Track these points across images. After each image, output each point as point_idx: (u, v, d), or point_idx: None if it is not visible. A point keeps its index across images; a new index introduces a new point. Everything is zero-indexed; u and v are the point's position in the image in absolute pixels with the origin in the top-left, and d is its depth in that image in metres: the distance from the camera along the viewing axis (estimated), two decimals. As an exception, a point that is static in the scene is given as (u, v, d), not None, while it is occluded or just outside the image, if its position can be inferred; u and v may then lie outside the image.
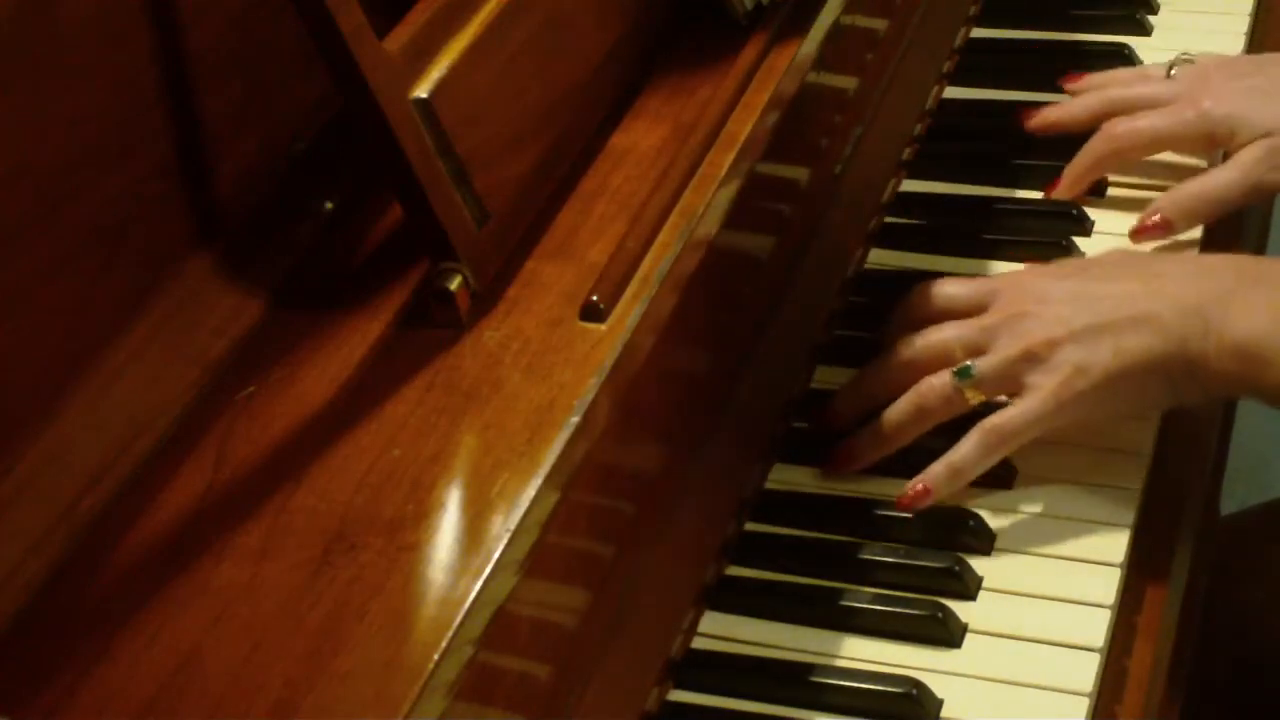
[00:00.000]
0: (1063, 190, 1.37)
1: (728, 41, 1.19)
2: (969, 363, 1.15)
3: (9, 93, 0.88)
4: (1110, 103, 1.38)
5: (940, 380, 1.15)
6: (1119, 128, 1.35)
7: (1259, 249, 1.42)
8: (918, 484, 1.14)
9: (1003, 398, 1.16)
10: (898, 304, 1.23)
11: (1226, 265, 1.16)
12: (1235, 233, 1.38)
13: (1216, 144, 1.33)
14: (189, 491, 0.92)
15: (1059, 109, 1.41)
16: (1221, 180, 1.30)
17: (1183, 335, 1.11)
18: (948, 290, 1.21)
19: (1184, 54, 1.40)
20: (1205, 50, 1.43)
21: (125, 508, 0.91)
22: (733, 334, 1.16)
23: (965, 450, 1.14)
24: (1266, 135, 1.30)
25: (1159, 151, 1.36)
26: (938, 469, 1.14)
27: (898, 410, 1.16)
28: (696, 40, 1.20)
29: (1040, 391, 1.13)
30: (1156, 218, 1.30)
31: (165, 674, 0.83)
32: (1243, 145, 1.31)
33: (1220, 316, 1.10)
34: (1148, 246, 1.30)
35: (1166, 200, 1.31)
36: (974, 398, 1.15)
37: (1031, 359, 1.13)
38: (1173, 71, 1.38)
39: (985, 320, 1.17)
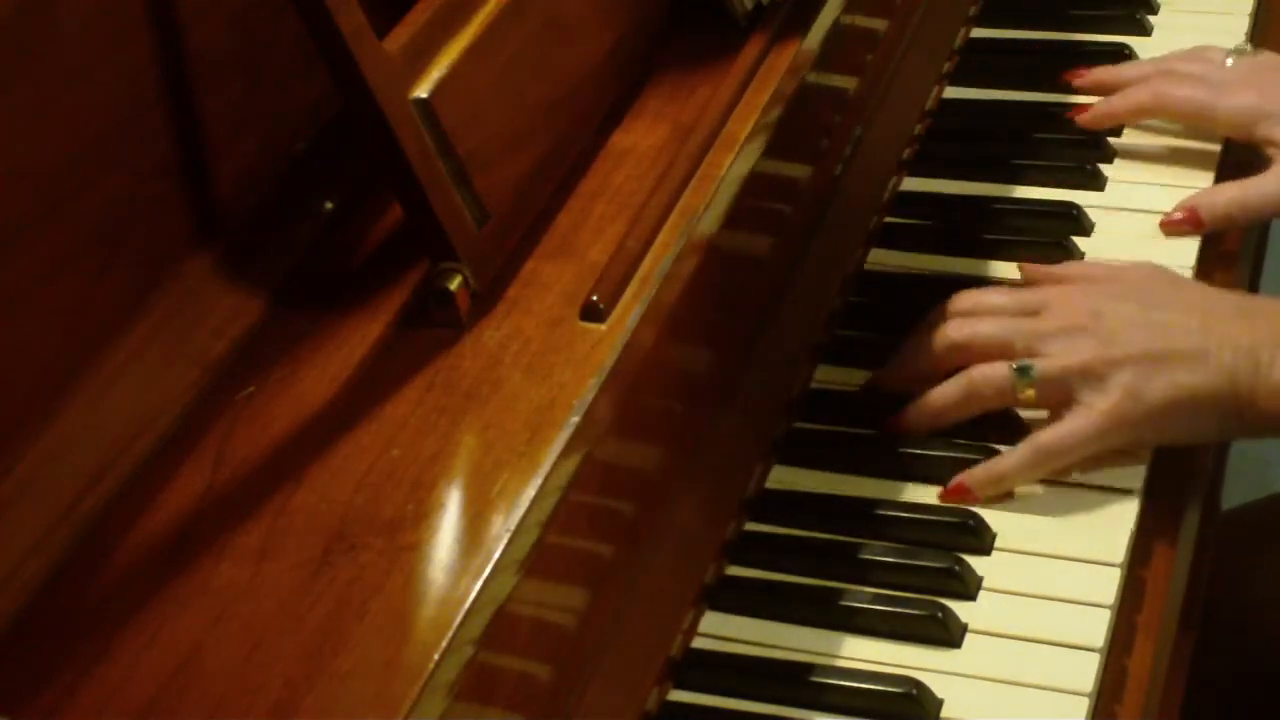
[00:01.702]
0: (1088, 120, 1.40)
1: (728, 41, 1.19)
2: (1030, 362, 1.16)
3: (9, 93, 0.88)
4: (1164, 70, 1.41)
5: (997, 371, 1.16)
6: (1166, 86, 1.38)
7: (1259, 249, 1.42)
8: (960, 480, 1.15)
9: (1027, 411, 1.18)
10: (938, 305, 1.23)
11: (1276, 309, 1.18)
12: (1237, 233, 1.38)
13: (1253, 138, 1.35)
14: (189, 491, 0.92)
15: (1109, 70, 1.43)
16: (1261, 189, 1.32)
17: (1234, 374, 1.13)
18: (993, 298, 1.22)
19: (1243, 45, 1.42)
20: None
21: (125, 508, 0.91)
22: (733, 334, 1.16)
23: (1013, 461, 1.15)
24: None
25: (1193, 121, 1.39)
26: (980, 472, 1.15)
27: (948, 391, 1.18)
28: (696, 40, 1.20)
29: (1092, 411, 1.14)
30: (1186, 214, 1.32)
31: (165, 674, 0.83)
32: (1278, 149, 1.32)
33: (1269, 359, 1.13)
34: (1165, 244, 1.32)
35: (1205, 199, 1.33)
36: (1027, 397, 1.16)
37: (1088, 375, 1.15)
38: (1229, 61, 1.39)
39: (1041, 325, 1.18)
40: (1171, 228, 1.32)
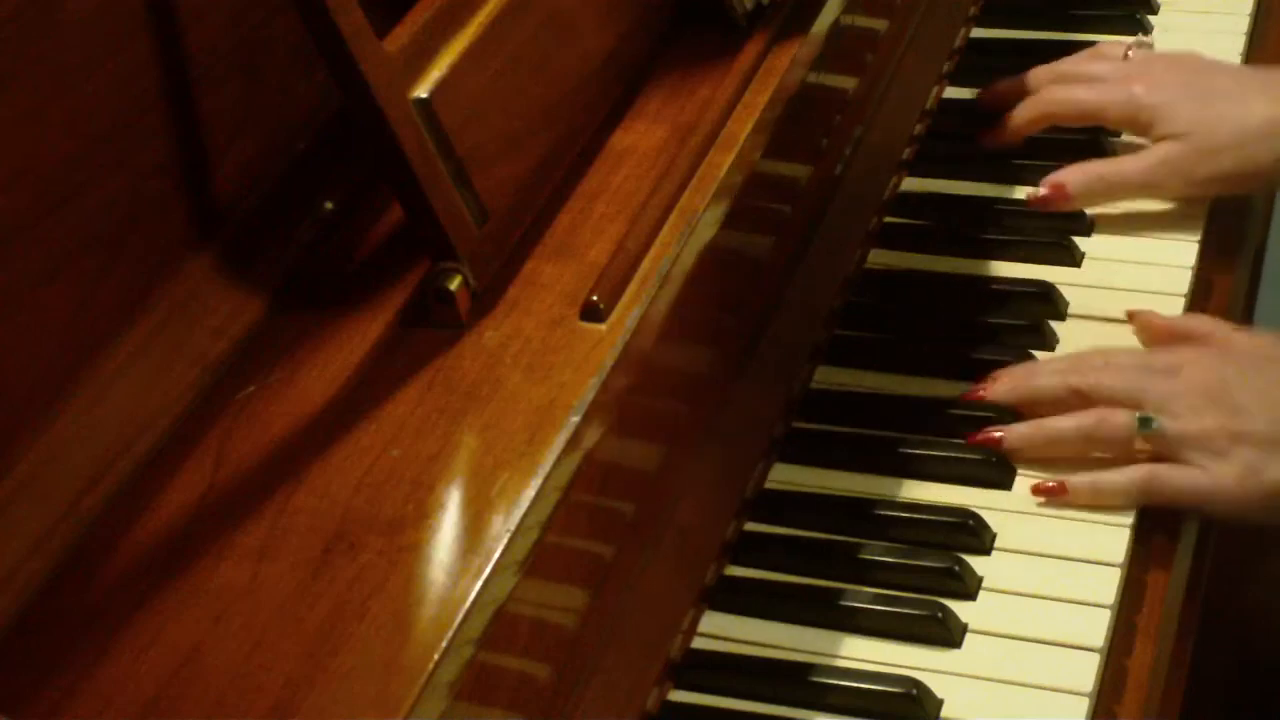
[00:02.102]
0: (991, 142, 1.43)
1: (728, 41, 1.19)
2: (1154, 416, 1.16)
3: (9, 93, 0.88)
4: (1056, 74, 1.43)
5: (1121, 420, 1.17)
6: (1053, 94, 1.41)
7: (1259, 251, 1.42)
8: (1058, 482, 1.16)
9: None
10: (1074, 364, 1.23)
11: None
12: (1237, 234, 1.38)
13: (1138, 129, 1.37)
14: (189, 491, 0.92)
15: (1014, 116, 1.43)
16: (1124, 169, 1.35)
17: None
18: (1122, 357, 1.22)
19: (1143, 39, 1.45)
20: (1206, 50, 1.44)
21: (125, 508, 0.91)
22: (733, 334, 1.16)
23: (1121, 481, 1.16)
24: (1179, 138, 1.33)
25: (1086, 122, 1.41)
26: (1082, 480, 1.16)
27: (1068, 425, 1.18)
28: (696, 40, 1.20)
29: (1210, 473, 1.15)
30: (1053, 188, 1.35)
31: (165, 674, 0.83)
32: (1160, 138, 1.34)
33: None
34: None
35: (1071, 173, 1.35)
36: (1143, 448, 1.17)
37: (1208, 443, 1.15)
38: (1129, 54, 1.41)
39: (1168, 385, 1.18)
40: (1039, 204, 1.35)
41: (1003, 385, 1.22)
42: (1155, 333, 1.26)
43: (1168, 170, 1.34)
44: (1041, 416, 1.19)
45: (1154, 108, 1.35)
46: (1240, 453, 1.15)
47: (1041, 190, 1.35)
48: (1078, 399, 1.19)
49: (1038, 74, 1.44)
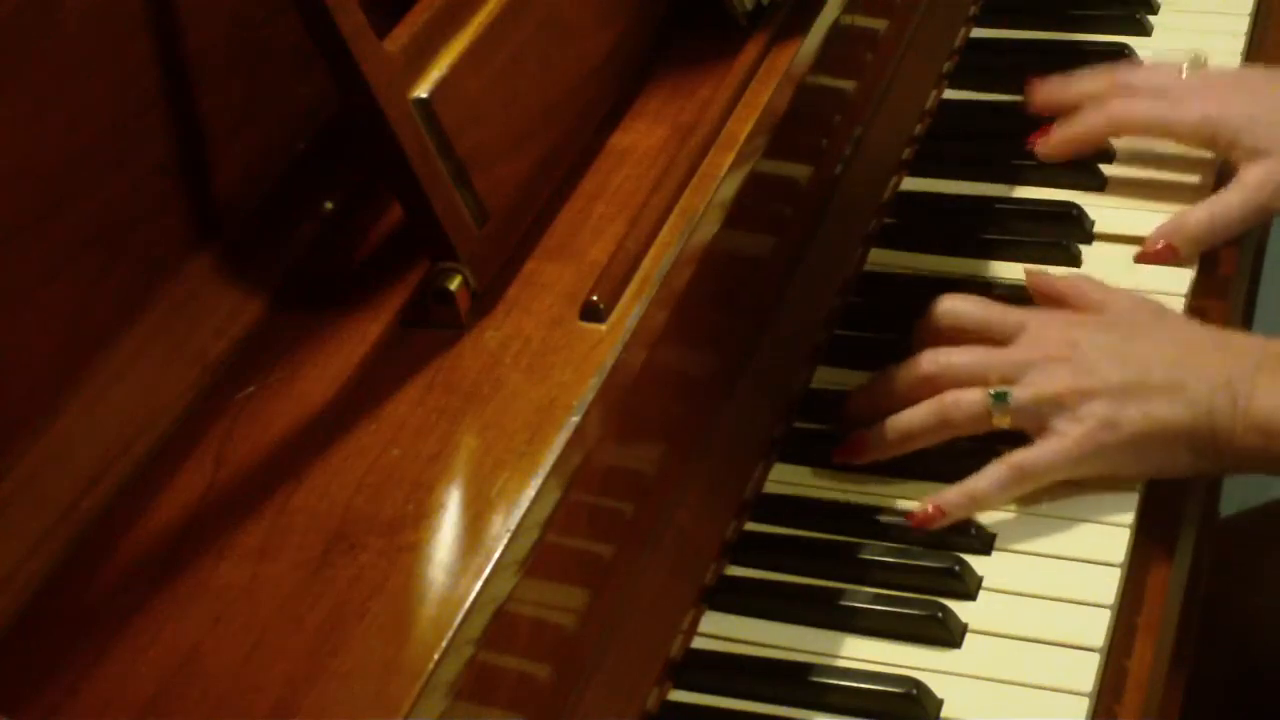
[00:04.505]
0: (1048, 148, 1.38)
1: (728, 41, 1.19)
2: (1006, 389, 1.16)
3: (9, 93, 0.88)
4: (1117, 84, 1.38)
5: (971, 397, 1.16)
6: (1121, 107, 1.36)
7: (1256, 259, 1.42)
8: (930, 505, 1.14)
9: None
10: (921, 317, 1.23)
11: (1254, 344, 1.18)
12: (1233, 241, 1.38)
13: (1216, 147, 1.34)
14: (189, 491, 0.92)
15: (1070, 128, 1.38)
16: (1226, 205, 1.31)
17: (1210, 408, 1.13)
18: (975, 312, 1.21)
19: (1197, 57, 1.40)
20: (1206, 49, 1.43)
21: (125, 508, 0.91)
22: (733, 334, 1.16)
23: (985, 481, 1.15)
24: (1267, 155, 1.31)
25: (1153, 136, 1.37)
26: (953, 495, 1.15)
27: (919, 415, 1.17)
28: (696, 40, 1.20)
29: (1065, 438, 1.14)
30: (1161, 245, 1.31)
31: (165, 674, 0.83)
32: (1241, 157, 1.32)
33: (1247, 393, 1.13)
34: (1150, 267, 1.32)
35: (1172, 227, 1.32)
36: (1001, 422, 1.16)
37: (1062, 404, 1.15)
38: (1183, 74, 1.38)
39: (1016, 354, 1.18)
40: (1148, 260, 1.32)
41: (863, 400, 1.21)
42: (1036, 293, 1.25)
43: (1271, 190, 1.31)
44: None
45: (1234, 128, 1.32)
46: (1094, 407, 1.14)
47: (1152, 248, 1.31)
48: (931, 387, 1.18)
49: (1095, 79, 1.39)
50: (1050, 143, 1.38)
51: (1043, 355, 1.17)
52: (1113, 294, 1.23)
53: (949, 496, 1.14)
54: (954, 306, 1.22)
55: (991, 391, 1.16)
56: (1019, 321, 1.20)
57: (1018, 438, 1.17)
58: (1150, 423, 1.14)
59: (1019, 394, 1.16)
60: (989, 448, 1.17)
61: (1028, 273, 1.27)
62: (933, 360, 1.19)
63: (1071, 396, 1.15)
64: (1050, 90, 1.41)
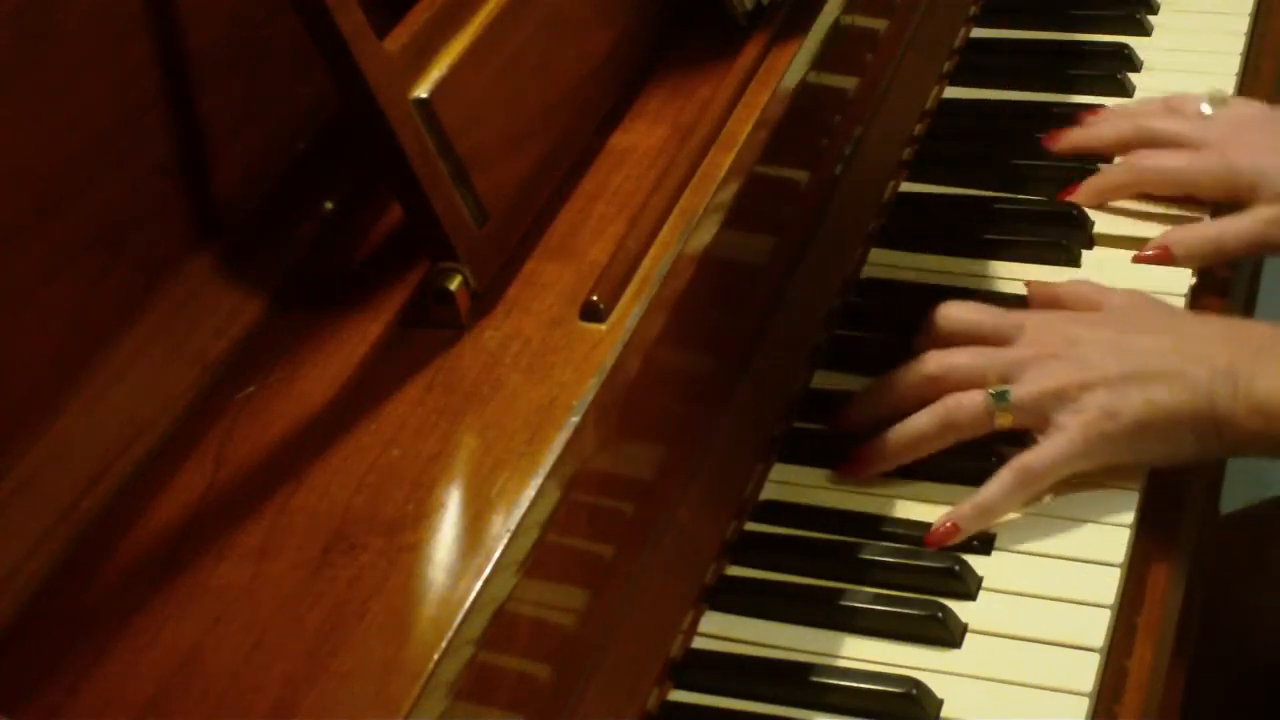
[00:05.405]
0: (1078, 199, 1.38)
1: (728, 41, 1.19)
2: (1005, 388, 1.16)
3: (9, 93, 0.88)
4: (1140, 132, 1.38)
5: (972, 399, 1.16)
6: (1146, 161, 1.37)
7: (1253, 275, 1.42)
8: (946, 522, 1.14)
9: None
10: (923, 322, 1.23)
11: (1253, 330, 1.18)
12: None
13: (1237, 196, 1.34)
14: (189, 491, 0.92)
15: (1086, 131, 1.41)
16: (1234, 230, 1.32)
17: (1211, 393, 1.13)
18: (973, 316, 1.22)
19: (1218, 91, 1.39)
20: (1205, 49, 1.43)
21: (125, 508, 0.91)
22: (733, 334, 1.16)
23: (993, 490, 1.15)
24: None
25: (1179, 193, 1.36)
26: (966, 509, 1.15)
27: (922, 421, 1.17)
28: (696, 40, 1.20)
29: (1067, 431, 1.15)
30: (1159, 250, 1.32)
31: (165, 674, 0.83)
32: (1261, 200, 1.32)
33: (1248, 378, 1.13)
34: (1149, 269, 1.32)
35: (1177, 235, 1.32)
36: (1003, 421, 1.16)
37: (1062, 398, 1.15)
38: (1205, 109, 1.38)
39: (1014, 353, 1.18)
40: (1143, 261, 1.32)
41: (862, 406, 1.21)
42: (1035, 300, 1.26)
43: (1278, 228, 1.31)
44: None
45: (1256, 174, 1.32)
46: (1094, 399, 1.14)
47: (1149, 250, 1.32)
48: (934, 388, 1.18)
49: (1117, 124, 1.40)
50: (1080, 195, 1.38)
51: (1041, 352, 1.17)
52: (1110, 293, 1.24)
53: (962, 511, 1.14)
54: (952, 312, 1.22)
55: (991, 391, 1.16)
56: (1018, 322, 1.20)
57: (1017, 438, 1.17)
58: (1151, 408, 1.14)
59: (1019, 391, 1.16)
60: (988, 445, 1.17)
61: (1028, 285, 1.28)
62: (934, 361, 1.19)
63: (1071, 389, 1.15)
64: (1072, 141, 1.42)
